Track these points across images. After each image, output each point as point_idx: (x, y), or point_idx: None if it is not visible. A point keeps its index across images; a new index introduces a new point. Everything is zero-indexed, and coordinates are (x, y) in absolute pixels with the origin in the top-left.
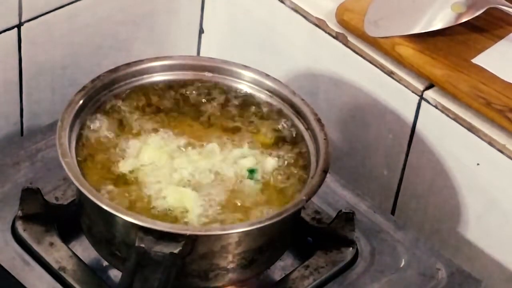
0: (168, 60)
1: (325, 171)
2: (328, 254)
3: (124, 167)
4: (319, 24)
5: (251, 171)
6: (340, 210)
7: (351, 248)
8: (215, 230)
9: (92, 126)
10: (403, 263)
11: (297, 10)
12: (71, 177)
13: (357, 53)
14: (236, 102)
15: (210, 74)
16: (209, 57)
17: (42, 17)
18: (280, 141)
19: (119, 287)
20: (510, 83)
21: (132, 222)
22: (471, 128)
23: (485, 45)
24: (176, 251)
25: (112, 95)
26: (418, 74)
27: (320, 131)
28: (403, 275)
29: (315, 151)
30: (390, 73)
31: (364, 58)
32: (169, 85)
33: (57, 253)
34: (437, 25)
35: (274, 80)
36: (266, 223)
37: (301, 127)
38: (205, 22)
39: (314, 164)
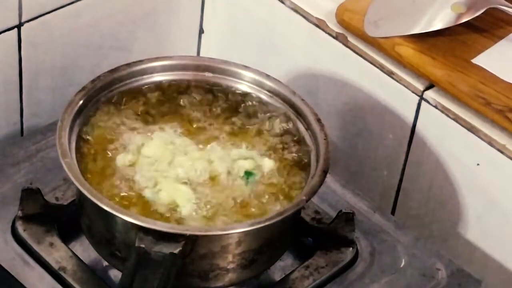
0: (168, 60)
1: (325, 171)
2: (328, 254)
3: (123, 160)
4: (319, 24)
5: (249, 173)
6: (340, 210)
7: (351, 248)
8: (215, 230)
9: (92, 125)
10: (403, 263)
11: (297, 10)
12: (71, 177)
13: (357, 53)
14: (236, 102)
15: (210, 74)
16: (209, 57)
17: (42, 17)
18: (280, 141)
19: (119, 287)
20: (510, 83)
21: (132, 222)
22: (471, 128)
23: (485, 45)
24: (176, 251)
25: (112, 95)
26: (418, 74)
27: (320, 131)
28: (403, 275)
29: (315, 151)
30: (390, 73)
31: (364, 58)
32: (169, 85)
33: (57, 253)
34: (437, 25)
35: (274, 80)
36: (266, 223)
37: (301, 127)
38: (205, 22)
39: (314, 164)
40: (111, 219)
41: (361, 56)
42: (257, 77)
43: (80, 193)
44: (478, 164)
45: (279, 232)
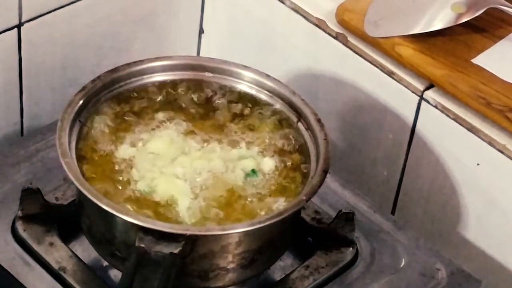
0: (168, 60)
1: (325, 171)
2: (328, 254)
3: (124, 153)
4: (319, 24)
5: (252, 172)
6: (340, 210)
7: (351, 248)
8: (215, 230)
9: (92, 125)
10: (403, 263)
11: (297, 10)
12: (71, 177)
13: (357, 53)
14: (235, 102)
15: (210, 74)
16: (209, 57)
17: (42, 17)
18: (280, 141)
19: (119, 287)
20: (510, 83)
21: (132, 222)
22: (471, 128)
23: (485, 45)
24: (176, 251)
25: (112, 95)
26: (418, 74)
27: (320, 131)
28: (403, 275)
29: (315, 151)
30: (390, 73)
31: (364, 58)
32: (169, 85)
33: (57, 253)
34: (437, 25)
35: (274, 80)
36: (266, 223)
37: (301, 127)
38: (205, 22)
39: (314, 164)
40: (111, 219)
41: (361, 56)
42: (257, 77)
43: (80, 193)
44: (478, 164)
45: (279, 232)
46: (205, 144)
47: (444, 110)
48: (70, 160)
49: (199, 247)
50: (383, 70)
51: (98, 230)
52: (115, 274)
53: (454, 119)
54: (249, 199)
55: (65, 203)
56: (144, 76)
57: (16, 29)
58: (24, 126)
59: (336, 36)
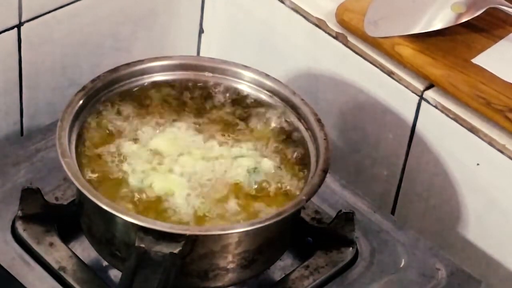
0: (168, 60)
1: (325, 171)
2: (328, 254)
3: (127, 149)
4: (319, 24)
5: (254, 169)
6: (340, 210)
7: (351, 248)
8: (215, 230)
9: (92, 125)
10: (403, 263)
11: (297, 10)
12: (71, 177)
13: (357, 53)
14: (235, 102)
15: (210, 74)
16: (209, 57)
17: (42, 17)
18: (279, 141)
19: (119, 287)
20: (510, 83)
21: (132, 222)
22: (471, 128)
23: (485, 45)
24: (176, 251)
25: (112, 95)
26: (418, 74)
27: (320, 131)
28: (403, 275)
29: (315, 151)
30: (390, 73)
31: (364, 58)
32: (169, 85)
33: (57, 253)
34: (437, 25)
35: (274, 80)
36: (266, 223)
37: (301, 127)
38: (205, 22)
39: (314, 164)
40: (111, 219)
41: (361, 56)
42: (257, 77)
43: (80, 193)
44: (478, 164)
45: (279, 232)
46: (205, 144)
47: (444, 110)
48: (70, 160)
49: (199, 247)
50: (383, 70)
51: (98, 230)
52: (115, 274)
53: (454, 119)
54: (246, 196)
55: (65, 203)
56: (144, 76)
57: (16, 29)
58: (24, 126)
59: (336, 36)
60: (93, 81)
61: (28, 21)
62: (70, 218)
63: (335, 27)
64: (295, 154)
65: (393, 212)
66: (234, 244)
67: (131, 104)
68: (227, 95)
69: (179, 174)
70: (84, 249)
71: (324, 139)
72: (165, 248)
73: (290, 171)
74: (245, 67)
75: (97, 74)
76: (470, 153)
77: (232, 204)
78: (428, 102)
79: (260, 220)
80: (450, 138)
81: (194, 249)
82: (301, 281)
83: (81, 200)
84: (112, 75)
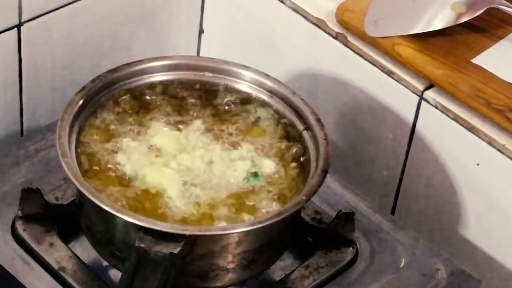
0: (168, 60)
1: (325, 171)
2: (328, 254)
3: (126, 144)
4: (319, 24)
5: (254, 174)
6: (340, 210)
7: (351, 248)
8: (215, 230)
9: (92, 124)
10: (403, 263)
11: (297, 10)
12: (71, 177)
13: (357, 53)
14: (235, 102)
15: (210, 74)
16: (209, 57)
17: (42, 17)
18: (279, 141)
19: (119, 287)
20: (510, 83)
21: (132, 222)
22: (471, 128)
23: (485, 45)
24: (176, 251)
25: (112, 95)
26: (418, 74)
27: (320, 131)
28: (403, 275)
29: (315, 151)
30: (390, 73)
31: (364, 58)
32: (169, 85)
33: (57, 253)
34: (437, 25)
35: (274, 80)
36: (266, 223)
37: (301, 127)
38: (205, 22)
39: (314, 164)
40: (111, 219)
41: (361, 56)
42: (257, 77)
43: (80, 193)
44: (478, 164)
45: (279, 232)
46: (204, 144)
47: (444, 110)
48: (70, 160)
49: (199, 247)
50: (383, 70)
51: (98, 230)
52: (115, 274)
53: (454, 119)
54: (245, 195)
55: (65, 203)
56: (144, 76)
57: (16, 29)
58: (24, 126)
59: (336, 36)
60: (93, 81)
61: (28, 21)
62: (70, 218)
63: (335, 27)
64: (295, 154)
65: (393, 212)
66: (234, 244)
67: (131, 104)
68: (227, 95)
69: (174, 169)
70: (84, 249)
71: (324, 139)
72: (165, 248)
73: (290, 171)
74: (245, 67)
75: (97, 74)
76: (470, 153)
77: (225, 204)
78: (428, 102)
79: (260, 220)
80: (450, 138)
81: (194, 249)
82: (301, 281)
83: (81, 200)
84: (112, 75)
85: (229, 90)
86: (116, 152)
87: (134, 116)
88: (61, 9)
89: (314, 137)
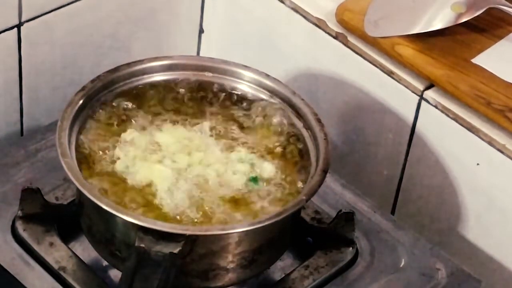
0: (168, 60)
1: (325, 171)
2: (328, 254)
3: (128, 136)
4: (319, 24)
5: (253, 179)
6: (340, 210)
7: (351, 248)
8: (215, 230)
9: (92, 124)
10: (403, 263)
11: (297, 10)
12: (71, 177)
13: (357, 53)
14: (235, 102)
15: (210, 74)
16: (209, 57)
17: (42, 17)
18: (279, 141)
19: (119, 287)
20: (510, 83)
21: (132, 222)
22: (471, 128)
23: (485, 45)
24: (176, 251)
25: (112, 95)
26: (418, 74)
27: (320, 131)
28: (403, 275)
29: (315, 151)
30: (390, 73)
31: (364, 58)
32: (169, 85)
33: (57, 253)
34: (437, 25)
35: (274, 80)
36: (266, 223)
37: (301, 127)
38: (205, 22)
39: (314, 164)
40: (111, 219)
41: (361, 56)
42: (257, 77)
43: (80, 193)
44: (478, 164)
45: (279, 232)
46: (204, 144)
47: (444, 110)
48: (70, 160)
49: (199, 247)
50: (383, 70)
51: (98, 230)
52: (115, 274)
53: (454, 119)
54: (244, 194)
55: (65, 203)
56: (144, 76)
57: (16, 29)
58: (24, 126)
59: (336, 36)
60: (93, 81)
61: (28, 21)
62: (70, 218)
63: (335, 27)
64: (295, 154)
65: (393, 212)
66: (234, 244)
67: (131, 104)
68: (227, 95)
69: (167, 167)
70: (84, 249)
71: (324, 139)
72: (165, 248)
73: (290, 171)
74: (245, 67)
75: (97, 74)
76: (470, 153)
77: (218, 204)
78: (428, 102)
79: (260, 220)
80: (450, 138)
81: (194, 249)
82: (301, 281)
83: (81, 200)
84: (112, 75)
85: (229, 90)
86: (115, 149)
87: (134, 117)
88: (61, 9)
89: (314, 137)
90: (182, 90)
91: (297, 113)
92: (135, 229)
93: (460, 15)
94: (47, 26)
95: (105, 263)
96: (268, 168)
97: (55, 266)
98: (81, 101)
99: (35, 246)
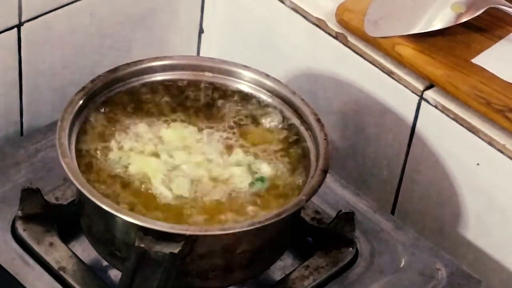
0: (168, 60)
1: (325, 171)
2: (328, 254)
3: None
4: (319, 24)
5: (259, 179)
6: (340, 210)
7: (351, 248)
8: (215, 230)
9: (93, 124)
10: (403, 263)
11: (297, 10)
12: (71, 177)
13: (357, 53)
14: (235, 102)
15: (210, 74)
16: (209, 57)
17: (42, 17)
18: (279, 141)
19: (119, 287)
20: (510, 83)
21: (132, 222)
22: (471, 128)
23: (485, 45)
24: (176, 251)
25: (112, 95)
26: (418, 74)
27: (320, 131)
28: (403, 275)
29: (315, 151)
30: (390, 73)
31: (364, 58)
32: (169, 85)
33: (57, 253)
34: (437, 25)
35: (274, 80)
36: (266, 223)
37: (301, 127)
38: (205, 22)
39: (314, 164)
40: (111, 219)
41: (361, 56)
42: (257, 77)
43: (80, 193)
44: (478, 164)
45: (279, 232)
46: (204, 144)
47: (444, 110)
48: (70, 160)
49: (198, 247)
50: (383, 70)
51: (98, 230)
52: (115, 274)
53: (454, 119)
54: (241, 196)
55: (65, 203)
56: (144, 76)
57: (16, 29)
58: (24, 126)
59: (336, 36)
60: (93, 81)
61: (28, 21)
62: (70, 218)
63: (335, 27)
64: (295, 154)
65: (393, 212)
66: (234, 244)
67: (131, 104)
68: (227, 95)
69: (162, 160)
70: (84, 249)
71: (324, 139)
72: (165, 248)
73: (290, 171)
74: (245, 67)
75: (97, 74)
76: (470, 153)
77: (210, 201)
78: (428, 102)
79: (260, 220)
80: (450, 138)
81: (194, 249)
82: (301, 281)
83: (81, 200)
84: (112, 75)
85: (229, 90)
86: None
87: (133, 117)
88: (61, 9)
89: (314, 137)
90: (182, 90)
91: (297, 113)
92: (135, 229)
93: (460, 15)
94: (47, 26)
95: (105, 263)
96: (267, 169)
97: (55, 266)
98: (81, 101)
99: (35, 246)
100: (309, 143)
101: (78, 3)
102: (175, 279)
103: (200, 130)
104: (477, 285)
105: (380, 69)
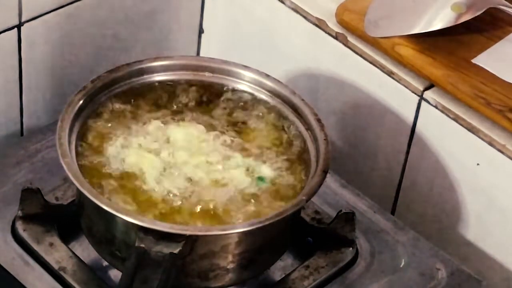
0: (168, 60)
1: (325, 171)
2: (328, 254)
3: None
4: (319, 24)
5: (259, 178)
6: (340, 210)
7: (351, 248)
8: (215, 230)
9: (94, 124)
10: (403, 263)
11: (297, 10)
12: (71, 177)
13: (357, 53)
14: (235, 102)
15: (210, 74)
16: (209, 57)
17: (42, 17)
18: (279, 141)
19: (119, 287)
20: (510, 83)
21: (132, 222)
22: (471, 128)
23: (485, 45)
24: (176, 251)
25: (112, 95)
26: (418, 74)
27: (320, 131)
28: (403, 275)
29: (315, 151)
30: (390, 73)
31: (364, 58)
32: (169, 85)
33: (57, 253)
34: (437, 25)
35: (274, 80)
36: (266, 223)
37: (301, 127)
38: (205, 22)
39: (314, 164)
40: (111, 219)
41: (361, 56)
42: (257, 77)
43: (80, 193)
44: (478, 164)
45: (279, 232)
46: (203, 144)
47: (444, 110)
48: (70, 160)
49: (199, 247)
50: (383, 70)
51: (98, 230)
52: (115, 274)
53: (454, 119)
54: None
55: (65, 203)
56: (144, 76)
57: (16, 29)
58: (24, 126)
59: (336, 36)
60: (93, 81)
61: (28, 21)
62: (70, 218)
63: (335, 27)
64: (295, 154)
65: (393, 212)
66: (234, 244)
67: (131, 104)
68: (227, 95)
69: (161, 158)
70: (84, 249)
71: (324, 139)
72: (165, 248)
73: (290, 171)
74: (245, 67)
75: (97, 74)
76: (470, 153)
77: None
78: (428, 102)
79: (260, 220)
80: (450, 138)
81: (194, 249)
82: (301, 281)
83: (81, 200)
84: (112, 75)
85: (229, 90)
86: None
87: (133, 117)
88: (61, 9)
89: (314, 137)
90: (181, 91)
91: (297, 113)
92: (135, 229)
93: (460, 15)
94: (47, 26)
95: (105, 263)
96: (267, 169)
97: (55, 266)
98: (81, 101)
99: (35, 246)
100: (309, 143)
101: (78, 3)
102: (175, 279)
103: (200, 130)
104: (477, 285)
105: (380, 69)
